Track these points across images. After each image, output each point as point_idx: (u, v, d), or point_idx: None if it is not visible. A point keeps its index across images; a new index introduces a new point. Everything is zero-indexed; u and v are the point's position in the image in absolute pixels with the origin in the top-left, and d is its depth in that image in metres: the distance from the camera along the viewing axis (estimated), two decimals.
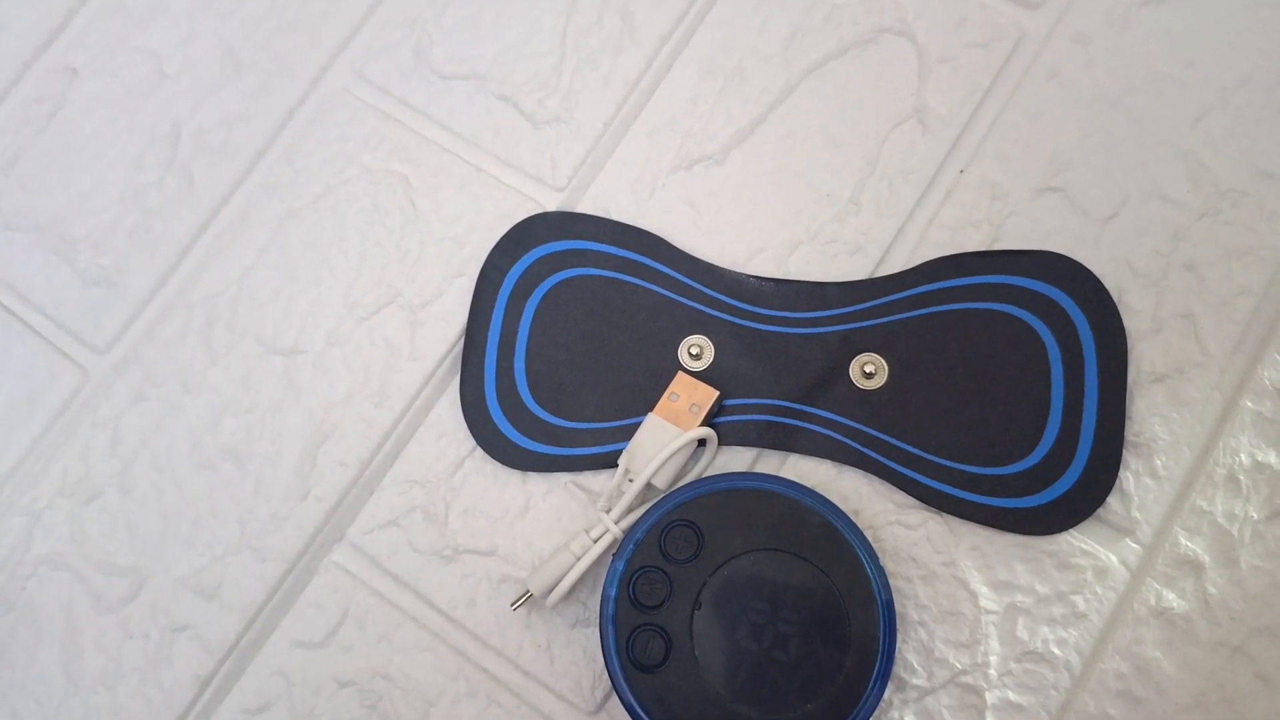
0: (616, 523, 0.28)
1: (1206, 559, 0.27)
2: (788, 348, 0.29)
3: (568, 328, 0.30)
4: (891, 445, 0.28)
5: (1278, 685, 0.26)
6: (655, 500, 0.27)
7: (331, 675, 0.29)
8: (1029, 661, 0.27)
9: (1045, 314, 0.29)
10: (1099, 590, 0.27)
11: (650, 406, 0.29)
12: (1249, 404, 0.28)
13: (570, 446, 0.30)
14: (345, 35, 0.35)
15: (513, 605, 0.28)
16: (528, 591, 0.28)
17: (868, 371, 0.29)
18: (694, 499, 0.27)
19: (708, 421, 0.29)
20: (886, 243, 0.31)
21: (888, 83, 0.32)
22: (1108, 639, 0.27)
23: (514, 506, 0.30)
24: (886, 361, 0.29)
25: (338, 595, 0.30)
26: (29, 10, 0.37)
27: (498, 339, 0.31)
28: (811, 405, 0.29)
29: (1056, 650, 0.27)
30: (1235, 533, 0.27)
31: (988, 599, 0.27)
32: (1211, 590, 0.27)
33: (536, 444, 0.30)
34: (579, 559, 0.27)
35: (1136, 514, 0.28)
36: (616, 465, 0.29)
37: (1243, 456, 0.28)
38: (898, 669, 0.27)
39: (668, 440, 0.28)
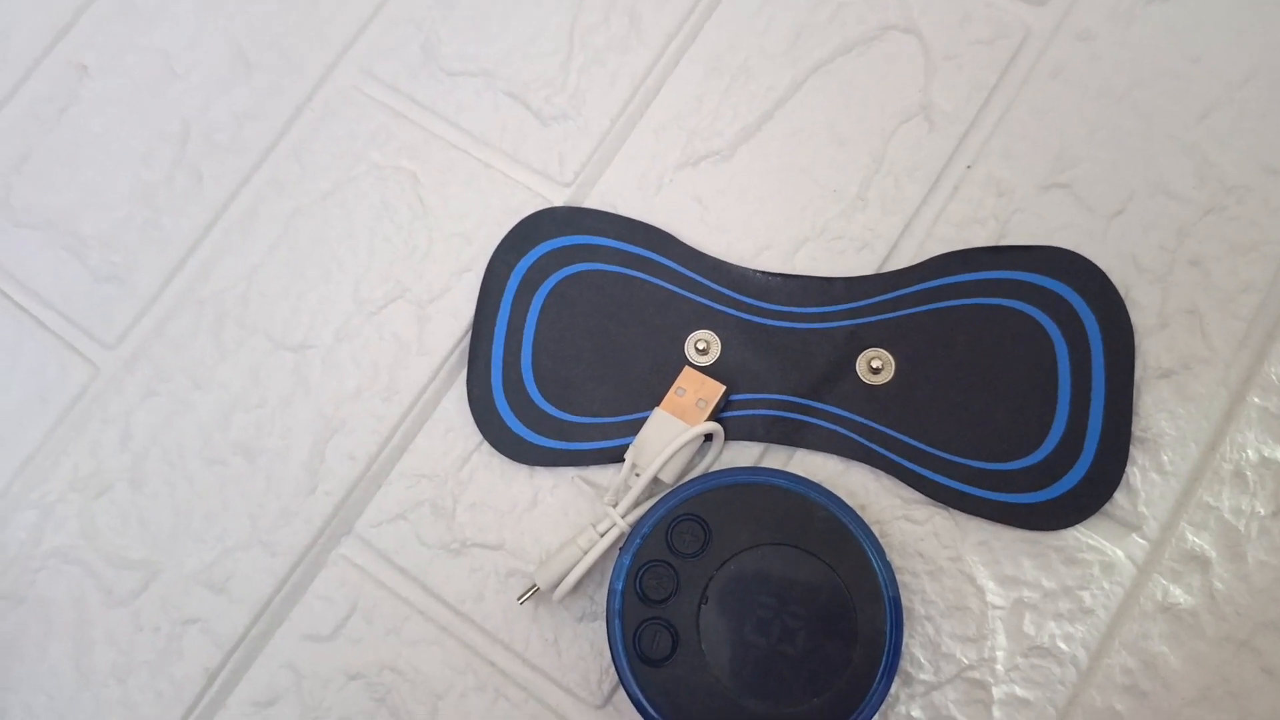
0: (623, 517, 0.28)
1: (1213, 554, 0.27)
2: (794, 343, 0.30)
3: (574, 323, 0.31)
4: (898, 440, 0.28)
5: None
6: (662, 495, 0.28)
7: (340, 668, 0.29)
8: (1035, 656, 0.27)
9: (1052, 309, 0.29)
10: (1106, 585, 0.27)
11: (657, 401, 0.29)
12: (1255, 399, 0.28)
13: (577, 441, 0.30)
14: (353, 33, 0.35)
15: (520, 599, 0.28)
16: (535, 585, 0.28)
17: (874, 367, 0.29)
18: (701, 494, 0.27)
19: (714, 416, 0.29)
20: (893, 239, 0.31)
21: (893, 80, 0.32)
22: (1114, 634, 0.27)
23: (521, 501, 0.30)
24: (893, 357, 0.29)
25: (346, 588, 0.30)
26: (39, 8, 0.37)
27: (505, 334, 0.31)
28: (818, 400, 0.29)
29: (1063, 645, 0.27)
30: (1242, 528, 0.27)
31: (994, 594, 0.28)
32: (1218, 585, 0.27)
33: (543, 438, 0.30)
34: (586, 553, 0.28)
35: (1143, 509, 0.28)
36: (623, 460, 0.29)
37: (1249, 452, 0.28)
38: (904, 664, 0.27)
39: (674, 435, 0.28)
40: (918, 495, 0.28)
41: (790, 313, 0.30)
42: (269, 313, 0.33)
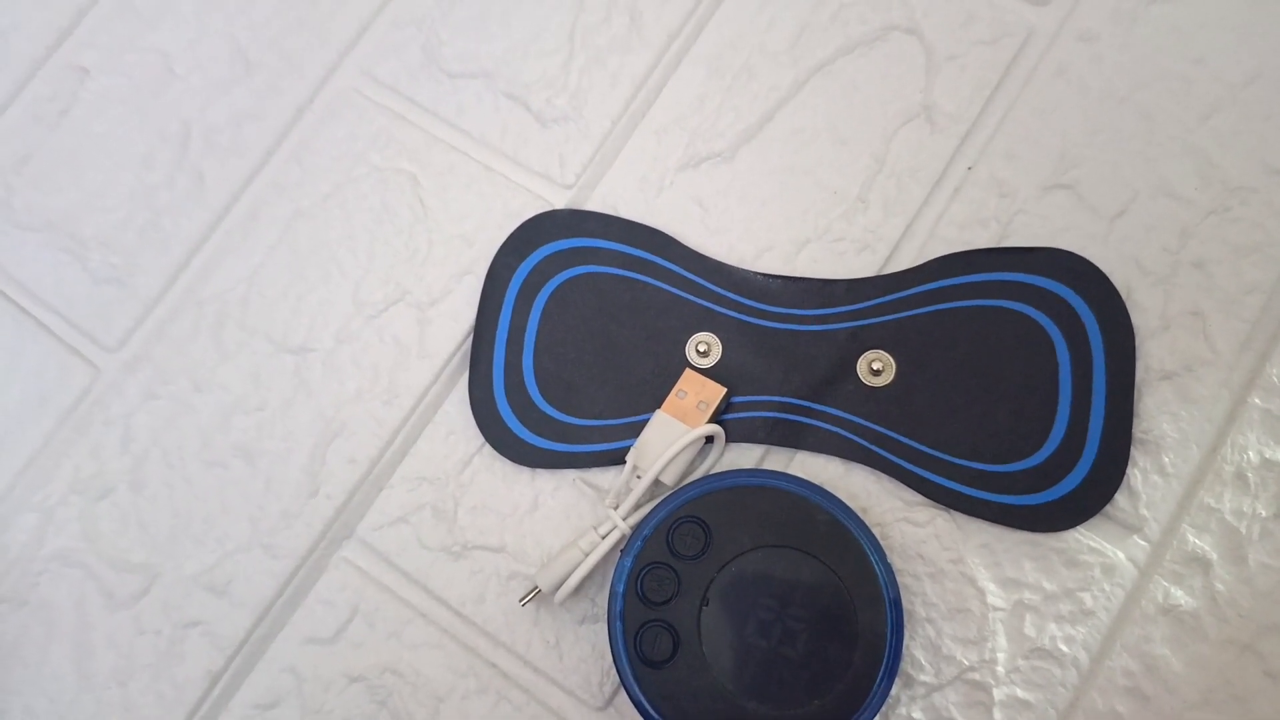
0: (625, 519, 0.28)
1: (1215, 556, 0.27)
2: (795, 345, 0.30)
3: (576, 325, 0.31)
4: (899, 442, 0.28)
5: None
6: (663, 497, 0.28)
7: (341, 671, 0.29)
8: (1037, 658, 0.27)
9: (1053, 311, 0.29)
10: (1107, 587, 0.27)
11: (658, 404, 0.29)
12: (1257, 401, 0.28)
13: (578, 443, 0.30)
14: (354, 34, 0.35)
15: (521, 601, 0.28)
16: (536, 588, 0.28)
17: (875, 368, 0.29)
18: (702, 496, 0.27)
19: (715, 418, 0.29)
20: (894, 240, 0.31)
21: (895, 80, 0.32)
22: (1116, 636, 0.27)
23: (522, 503, 0.30)
24: (894, 358, 0.29)
25: (347, 592, 0.30)
26: (40, 10, 0.37)
27: (506, 336, 0.31)
28: (819, 402, 0.29)
29: (1064, 647, 0.27)
30: (1243, 530, 0.27)
31: (995, 596, 0.28)
32: (1220, 587, 0.27)
33: (545, 441, 0.30)
34: (587, 555, 0.28)
35: (1145, 511, 0.28)
36: (624, 462, 0.29)
37: (1251, 454, 0.28)
38: (905, 665, 0.27)
39: (675, 437, 0.28)
40: (919, 497, 0.28)
41: (791, 315, 0.30)
42: (269, 315, 0.33)
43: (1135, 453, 0.28)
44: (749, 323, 0.30)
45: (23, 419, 0.33)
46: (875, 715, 0.25)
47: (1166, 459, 0.28)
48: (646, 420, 0.29)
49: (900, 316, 0.29)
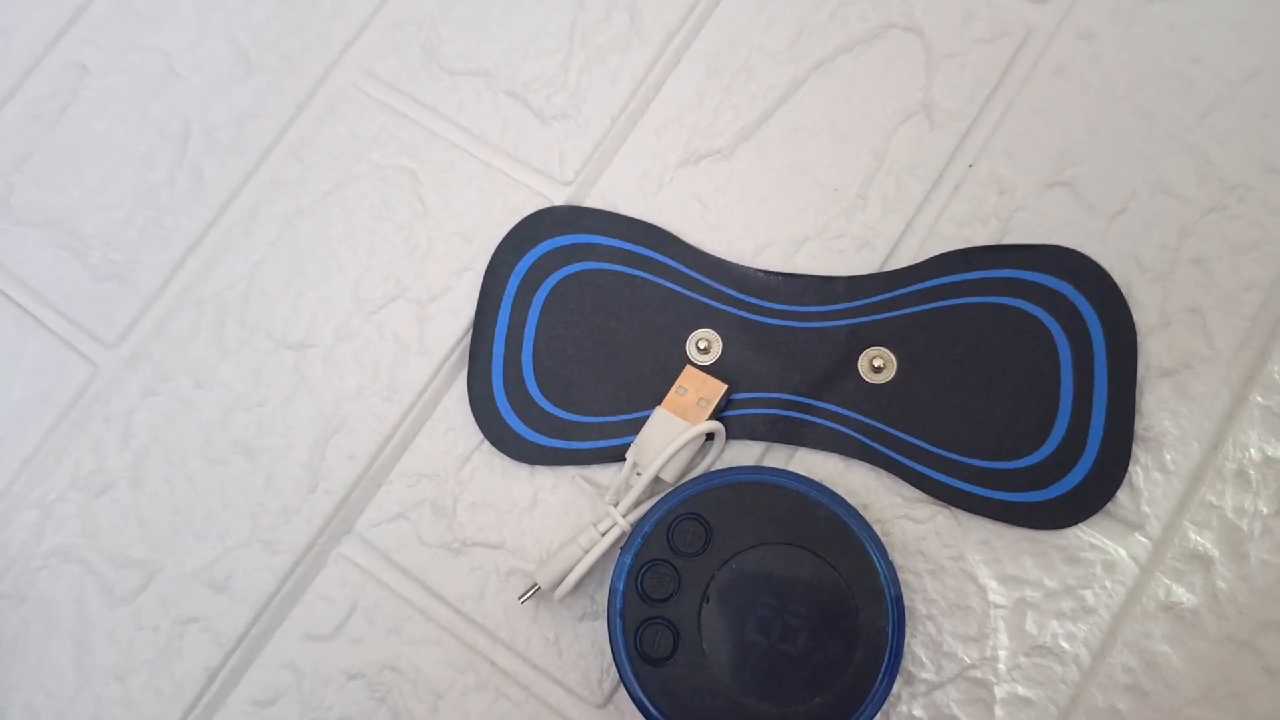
0: (624, 516, 0.28)
1: (1215, 553, 0.27)
2: (796, 342, 0.30)
3: (575, 322, 0.31)
4: (900, 439, 0.28)
5: None
6: (663, 494, 0.28)
7: (340, 667, 0.29)
8: (1038, 656, 0.27)
9: (1054, 308, 0.29)
10: (1108, 584, 0.27)
11: (658, 400, 0.29)
12: (1258, 399, 0.28)
13: (578, 440, 0.30)
14: (354, 32, 0.35)
15: (521, 598, 0.28)
16: (536, 585, 0.28)
17: (876, 365, 0.29)
18: (702, 493, 0.27)
19: (716, 415, 0.29)
20: (894, 237, 0.31)
21: (895, 78, 0.32)
22: (1116, 633, 0.27)
23: (522, 500, 0.30)
24: (895, 355, 0.29)
25: (347, 588, 0.30)
26: (40, 7, 0.37)
27: (505, 333, 0.31)
28: (819, 399, 0.29)
29: (1065, 644, 0.27)
30: (1244, 527, 0.27)
31: (996, 593, 0.27)
32: (1220, 585, 0.27)
33: (544, 438, 0.30)
34: (587, 552, 0.27)
35: (1145, 508, 0.28)
36: (624, 459, 0.29)
37: (1252, 451, 0.28)
38: (906, 663, 0.27)
39: (676, 434, 0.28)
40: (919, 494, 0.28)
41: (791, 311, 0.30)
42: (270, 312, 0.33)
43: (1136, 450, 0.28)
44: (749, 319, 0.30)
45: (23, 415, 0.33)
46: (876, 712, 0.25)
47: (1168, 456, 0.28)
48: (646, 417, 0.29)
49: (900, 314, 0.29)
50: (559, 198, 0.33)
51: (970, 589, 0.28)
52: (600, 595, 0.29)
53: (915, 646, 0.27)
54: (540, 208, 0.32)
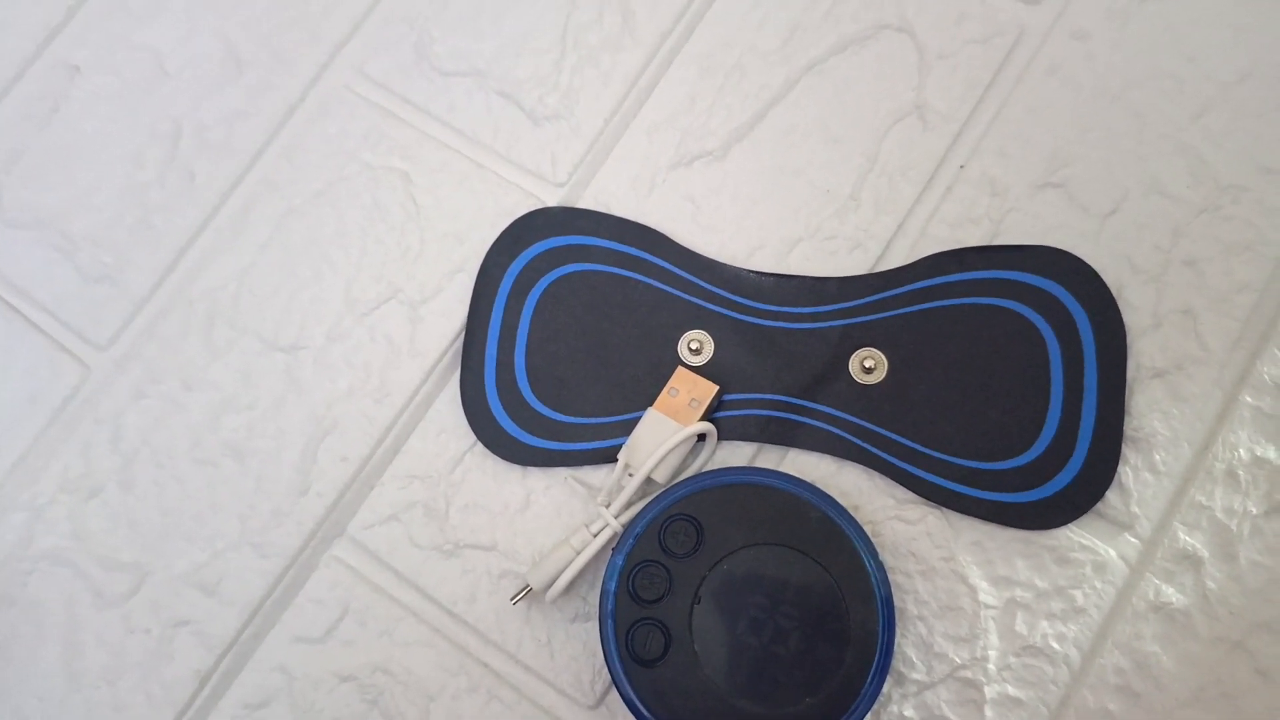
0: (616, 517, 0.28)
1: (1206, 554, 0.27)
2: (787, 343, 0.29)
3: (568, 323, 0.31)
4: (891, 440, 0.28)
5: (1277, 680, 0.26)
6: (655, 495, 0.28)
7: (332, 670, 0.29)
8: (1028, 656, 0.27)
9: (1045, 309, 0.29)
10: (1098, 585, 0.27)
11: (650, 401, 0.29)
12: (1248, 399, 0.28)
13: (570, 441, 0.30)
14: (346, 32, 0.35)
15: (513, 600, 0.28)
16: (528, 586, 0.28)
17: (867, 366, 0.29)
18: (694, 494, 0.27)
19: (707, 416, 0.29)
20: (886, 239, 0.31)
21: (887, 79, 0.32)
22: (1107, 634, 0.27)
23: (514, 501, 0.30)
24: (886, 356, 0.29)
25: (338, 590, 0.30)
26: (31, 7, 0.37)
27: (498, 334, 0.31)
28: (811, 400, 0.29)
29: (1056, 645, 0.27)
30: (1234, 528, 0.27)
31: (987, 594, 0.28)
32: (1211, 585, 0.27)
33: (536, 439, 0.30)
34: (579, 554, 0.27)
35: (1136, 509, 0.28)
36: (616, 460, 0.29)
37: (1242, 452, 0.28)
38: (897, 663, 0.27)
39: (667, 435, 0.28)
40: (910, 495, 0.28)
41: (783, 313, 0.30)
42: (260, 313, 0.32)
43: (1127, 450, 0.28)
44: (741, 320, 0.30)
45: (12, 417, 0.32)
46: (867, 713, 0.25)
47: (1158, 457, 0.28)
48: (638, 418, 0.29)
49: (892, 314, 0.29)
50: (551, 199, 0.32)
51: (961, 590, 0.28)
52: (592, 596, 0.29)
53: (906, 647, 0.27)
54: (533, 209, 0.32)
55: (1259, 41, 0.31)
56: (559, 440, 0.30)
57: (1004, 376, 0.28)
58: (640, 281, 0.31)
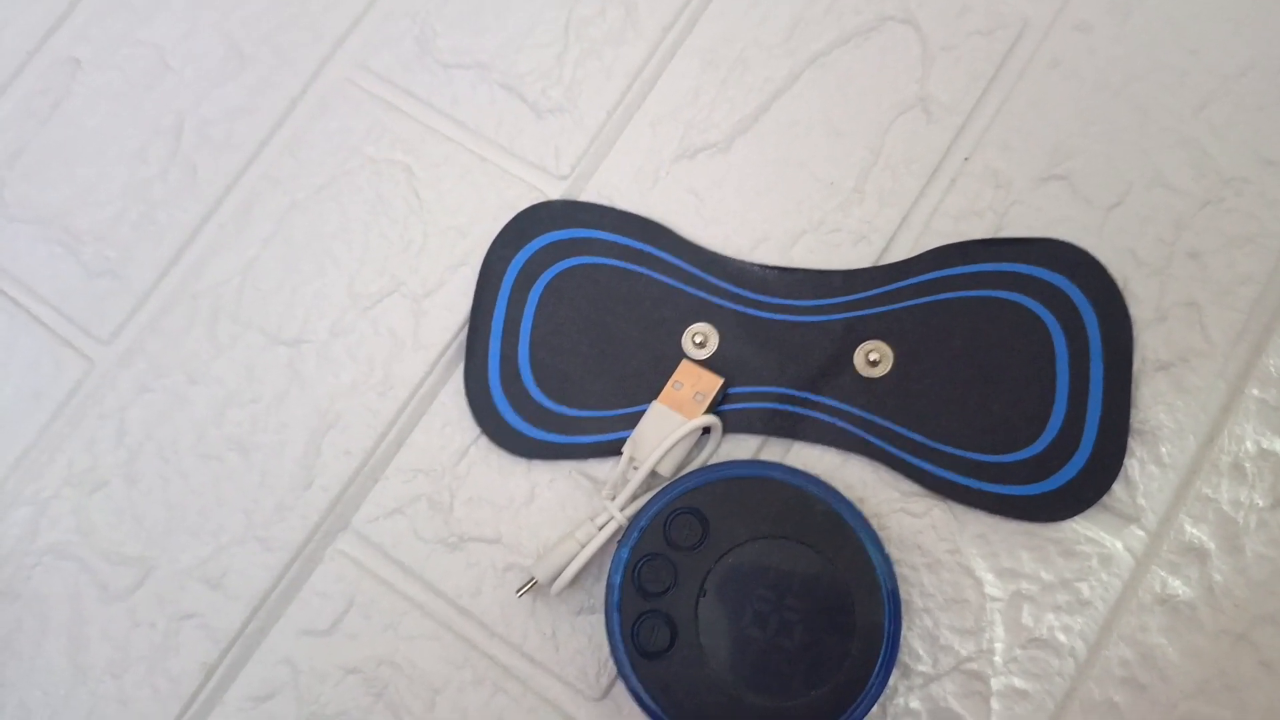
0: (621, 510, 0.28)
1: (1211, 546, 0.27)
2: (792, 335, 0.29)
3: (572, 316, 0.31)
4: (896, 433, 0.28)
5: None
6: (660, 488, 0.27)
7: (337, 663, 0.29)
8: (1034, 648, 0.27)
9: (1050, 302, 0.29)
10: (1104, 577, 0.27)
11: (655, 394, 0.29)
12: (1254, 392, 0.28)
13: (575, 434, 0.30)
14: (347, 26, 0.35)
15: (518, 593, 0.28)
16: (533, 579, 0.28)
17: (872, 359, 0.29)
18: (699, 486, 0.27)
19: (712, 409, 0.29)
20: (890, 231, 0.31)
21: (891, 71, 0.32)
22: (1112, 626, 0.27)
23: (519, 494, 0.30)
24: (891, 349, 0.29)
25: (343, 583, 0.30)
26: (32, 2, 0.37)
27: (502, 327, 0.31)
28: (816, 393, 0.29)
29: (1061, 637, 0.27)
30: (1240, 520, 0.27)
31: (993, 586, 0.28)
32: (1216, 577, 0.27)
33: (541, 432, 0.30)
34: (584, 546, 0.27)
35: (1141, 501, 0.28)
36: (621, 453, 0.29)
37: (1248, 444, 0.28)
38: (903, 656, 0.27)
39: (672, 428, 0.28)
40: (916, 488, 0.28)
41: (788, 305, 0.30)
42: (264, 307, 0.32)
43: (1132, 443, 0.28)
44: (745, 314, 0.30)
45: (16, 412, 0.32)
46: (873, 706, 0.25)
47: (1163, 449, 0.28)
48: (643, 411, 0.29)
49: (897, 307, 0.29)
50: (554, 192, 0.32)
51: (966, 582, 0.28)
52: (597, 589, 0.29)
53: (912, 639, 0.27)
54: (536, 202, 0.32)
55: (1261, 34, 0.31)
56: (563, 433, 0.30)
57: (1009, 369, 0.28)
58: (644, 275, 0.31)
